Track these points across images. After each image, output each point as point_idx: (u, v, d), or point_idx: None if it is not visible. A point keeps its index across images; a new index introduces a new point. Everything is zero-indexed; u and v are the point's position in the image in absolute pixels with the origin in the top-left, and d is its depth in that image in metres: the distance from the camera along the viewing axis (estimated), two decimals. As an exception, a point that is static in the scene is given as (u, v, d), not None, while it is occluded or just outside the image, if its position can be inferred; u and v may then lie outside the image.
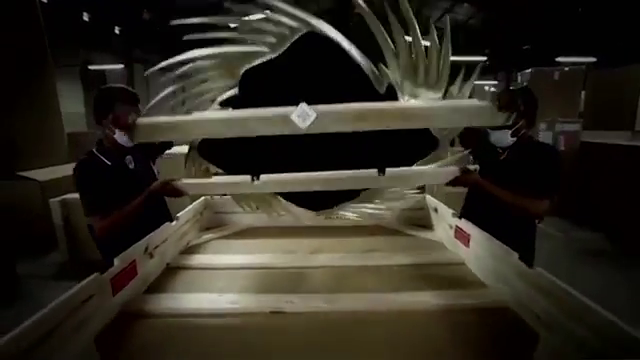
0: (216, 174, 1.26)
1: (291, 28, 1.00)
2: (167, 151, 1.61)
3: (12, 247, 2.66)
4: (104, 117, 1.26)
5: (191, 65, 1.09)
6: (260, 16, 1.00)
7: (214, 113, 1.09)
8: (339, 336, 0.91)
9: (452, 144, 1.27)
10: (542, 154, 1.33)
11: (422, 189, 1.84)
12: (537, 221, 1.43)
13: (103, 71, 10.69)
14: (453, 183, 1.23)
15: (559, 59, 10.21)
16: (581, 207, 3.77)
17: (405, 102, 1.02)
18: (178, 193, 1.29)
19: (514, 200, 1.28)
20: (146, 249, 1.19)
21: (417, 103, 1.02)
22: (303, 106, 0.97)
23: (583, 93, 4.72)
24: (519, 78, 4.76)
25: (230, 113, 1.07)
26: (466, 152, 1.32)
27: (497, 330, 0.93)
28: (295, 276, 1.26)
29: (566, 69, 4.38)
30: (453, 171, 1.21)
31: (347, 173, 1.18)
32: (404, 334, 0.92)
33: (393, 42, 1.00)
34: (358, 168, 1.18)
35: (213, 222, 1.88)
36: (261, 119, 1.01)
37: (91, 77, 10.10)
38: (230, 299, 1.08)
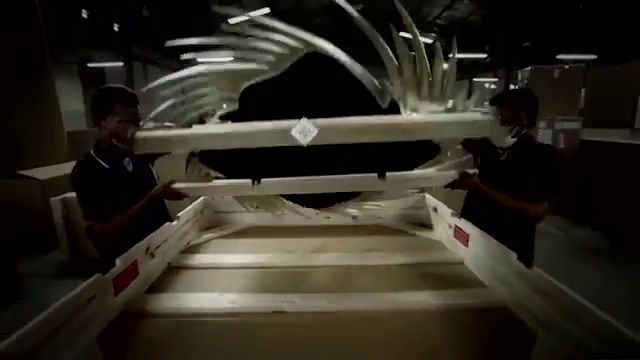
0: (216, 178, 1.27)
1: (291, 48, 0.98)
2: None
3: (13, 246, 2.67)
4: (103, 118, 1.24)
5: (191, 80, 1.07)
6: (259, 36, 0.98)
7: (214, 127, 1.08)
8: (339, 335, 0.92)
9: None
10: (542, 156, 1.33)
11: (422, 188, 1.85)
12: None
13: (102, 69, 10.66)
14: (452, 186, 1.24)
15: (559, 56, 10.19)
16: (581, 205, 3.77)
17: (407, 116, 1.01)
18: (179, 196, 1.30)
19: (513, 203, 1.28)
20: (147, 249, 1.20)
21: (419, 117, 1.01)
22: (304, 122, 0.96)
23: (583, 91, 4.71)
24: (519, 76, 4.75)
25: (230, 127, 1.06)
26: (465, 158, 1.32)
27: (495, 330, 0.94)
28: (295, 276, 1.27)
29: (566, 67, 4.38)
30: (452, 175, 1.22)
31: (347, 177, 1.19)
32: (403, 334, 0.93)
33: (397, 58, 0.98)
34: (359, 172, 1.18)
35: (213, 221, 1.88)
36: (261, 133, 1.00)
37: (90, 75, 10.08)
38: (231, 299, 1.09)
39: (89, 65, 10.07)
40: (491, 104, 1.34)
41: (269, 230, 1.77)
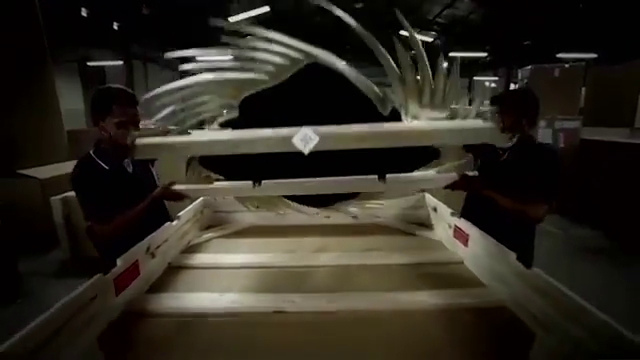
0: (217, 180, 1.27)
1: (292, 59, 0.98)
2: None
3: (13, 245, 2.67)
4: (102, 119, 1.23)
5: (191, 89, 1.06)
6: (259, 47, 0.96)
7: (214, 134, 1.07)
8: (339, 335, 0.93)
9: None
10: (543, 158, 1.33)
11: (422, 188, 1.85)
12: None
13: (102, 67, 10.64)
14: (452, 187, 1.25)
15: (560, 55, 10.18)
16: (581, 205, 3.78)
17: (408, 123, 1.01)
18: (180, 197, 1.31)
19: (513, 205, 1.29)
20: (148, 249, 1.20)
21: (420, 124, 1.01)
22: (305, 130, 0.95)
23: (583, 89, 4.71)
24: (519, 75, 4.74)
25: (230, 134, 1.05)
26: (465, 160, 1.32)
27: (494, 329, 0.94)
28: (295, 275, 1.28)
29: (566, 66, 4.37)
30: (452, 177, 1.23)
31: (348, 179, 1.19)
32: (403, 333, 0.94)
33: (398, 66, 0.98)
34: (359, 174, 1.19)
35: (214, 221, 1.89)
36: (261, 140, 0.99)
37: (90, 73, 10.07)
38: (231, 299, 1.09)
39: (89, 64, 10.05)
40: (492, 104, 1.35)
41: (269, 230, 1.77)
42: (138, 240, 1.16)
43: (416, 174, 1.23)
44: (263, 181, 1.20)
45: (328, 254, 1.44)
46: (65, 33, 7.74)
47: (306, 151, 0.95)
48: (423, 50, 0.93)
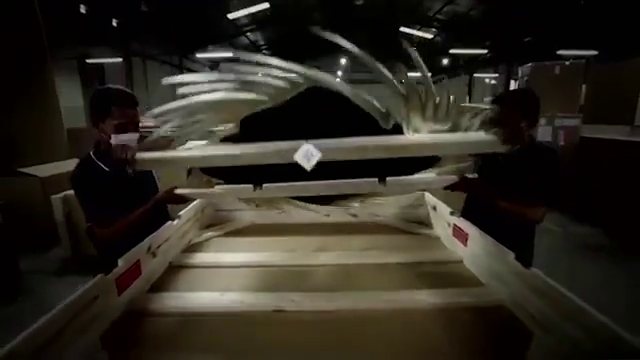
0: (218, 183, 1.27)
1: (292, 83, 0.96)
2: None
3: (14, 243, 2.68)
4: (101, 121, 1.23)
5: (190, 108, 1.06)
6: (258, 71, 0.95)
7: (214, 148, 1.06)
8: (338, 334, 0.94)
9: None
10: (543, 161, 1.32)
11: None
12: None
13: (101, 64, 10.61)
14: (452, 188, 1.25)
15: (560, 52, 10.15)
16: (580, 202, 3.79)
17: (410, 136, 1.01)
18: (183, 200, 1.32)
19: (512, 208, 1.29)
20: (149, 248, 1.21)
21: (422, 137, 1.01)
22: (307, 146, 0.94)
23: (584, 87, 4.70)
24: (520, 72, 4.74)
25: (231, 148, 1.04)
26: (467, 164, 1.32)
27: (493, 328, 0.95)
28: (295, 274, 1.28)
29: (567, 63, 4.36)
30: (452, 179, 1.23)
31: (348, 181, 1.20)
32: (402, 332, 0.94)
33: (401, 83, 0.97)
34: (359, 176, 1.19)
35: (214, 219, 1.89)
36: (262, 155, 0.99)
37: (89, 71, 10.04)
38: (231, 298, 1.10)
39: (88, 61, 10.02)
40: (492, 104, 1.35)
41: (269, 228, 1.78)
42: (138, 240, 1.16)
43: (416, 176, 1.24)
44: (264, 185, 1.21)
45: (328, 253, 1.45)
46: (64, 30, 7.71)
47: (309, 167, 0.94)
48: (427, 70, 0.93)
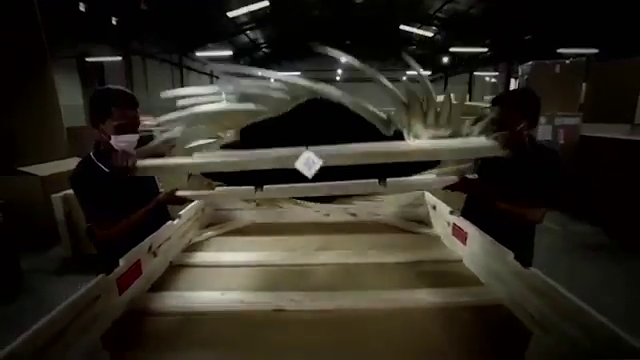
0: (218, 185, 1.28)
1: (292, 96, 0.97)
2: None
3: (14, 242, 2.69)
4: (101, 122, 1.22)
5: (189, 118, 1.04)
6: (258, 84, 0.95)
7: (214, 155, 1.06)
8: (338, 333, 0.94)
9: None
10: (543, 162, 1.31)
11: None
12: None
13: (101, 63, 10.58)
14: (452, 188, 1.26)
15: (561, 50, 10.13)
16: (580, 201, 3.79)
17: (411, 142, 1.01)
18: (184, 202, 1.33)
19: (511, 209, 1.29)
20: (150, 248, 1.21)
21: (422, 143, 1.01)
22: (308, 154, 0.94)
23: (584, 85, 4.70)
24: (520, 71, 4.73)
25: (231, 155, 1.04)
26: (467, 165, 1.33)
27: (492, 328, 0.96)
28: (295, 274, 1.29)
29: (567, 62, 4.35)
30: (452, 180, 1.24)
31: (349, 183, 1.21)
32: (402, 331, 0.95)
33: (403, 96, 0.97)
34: (359, 178, 1.20)
35: (214, 219, 1.90)
36: (262, 162, 0.99)
37: (89, 69, 10.00)
38: (232, 297, 1.10)
39: (87, 59, 9.99)
40: (492, 105, 1.35)
41: (269, 227, 1.78)
42: (139, 240, 1.17)
43: (417, 177, 1.25)
44: (265, 187, 1.21)
45: (327, 252, 1.45)
46: (63, 29, 7.69)
47: (310, 175, 0.95)
48: (429, 82, 0.93)
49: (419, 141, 0.99)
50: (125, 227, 1.24)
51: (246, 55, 19.78)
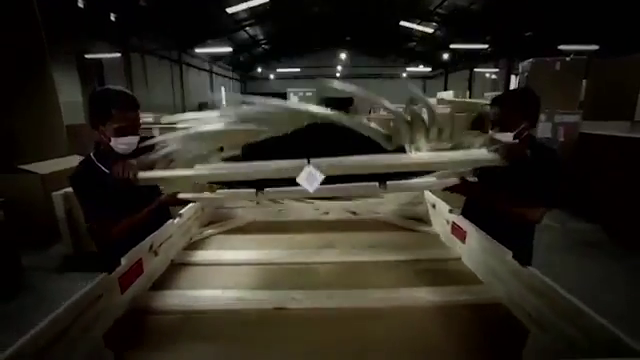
0: (220, 188, 1.29)
1: (293, 119, 0.98)
2: None
3: (15, 240, 2.70)
4: (101, 124, 1.22)
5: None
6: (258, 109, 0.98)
7: (216, 167, 1.07)
8: (338, 331, 0.95)
9: None
10: (543, 162, 1.29)
11: None
12: None
13: (100, 60, 10.53)
14: (451, 190, 1.27)
15: (561, 47, 10.10)
16: (580, 198, 3.80)
17: (412, 155, 1.02)
18: (185, 203, 1.34)
19: (511, 210, 1.29)
20: (151, 247, 1.22)
21: (423, 156, 1.02)
22: (310, 169, 0.95)
23: (584, 82, 4.69)
24: (520, 68, 4.72)
25: (233, 167, 1.06)
26: (464, 169, 1.34)
27: (490, 326, 0.97)
28: (295, 272, 1.30)
29: (567, 59, 4.34)
30: (453, 182, 1.25)
31: (350, 185, 1.22)
32: (401, 330, 0.96)
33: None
34: (360, 180, 1.21)
35: (215, 217, 1.90)
36: (263, 173, 1.01)
37: (88, 66, 9.96)
38: (233, 295, 1.11)
39: (86, 56, 9.94)
40: (492, 105, 1.34)
41: (269, 226, 1.79)
42: (140, 238, 1.17)
43: (417, 180, 1.26)
44: (266, 189, 1.22)
45: (327, 251, 1.46)
46: (62, 25, 7.65)
47: (312, 189, 0.96)
48: (431, 104, 0.95)
49: (420, 153, 1.01)
50: (126, 227, 1.25)
51: (245, 51, 19.71)
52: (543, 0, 9.30)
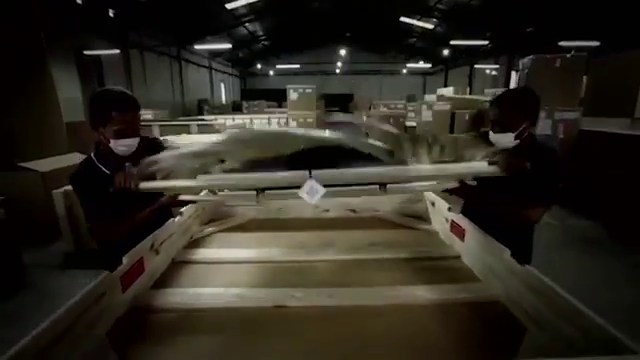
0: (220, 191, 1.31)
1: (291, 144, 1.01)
2: None
3: (16, 238, 2.71)
4: (101, 125, 1.21)
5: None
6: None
7: (220, 177, 1.09)
8: (338, 329, 0.96)
9: None
10: (543, 162, 1.27)
11: None
12: None
13: (99, 56, 10.49)
14: (451, 192, 1.27)
15: (562, 43, 10.05)
16: (579, 195, 3.80)
17: (415, 167, 1.04)
18: (186, 204, 1.34)
19: (511, 211, 1.28)
20: (152, 245, 1.23)
21: (426, 168, 1.04)
22: (311, 182, 0.98)
23: (585, 78, 4.68)
24: (520, 65, 4.70)
25: (233, 177, 1.08)
26: None
27: (488, 324, 0.98)
28: (296, 270, 1.31)
29: (568, 56, 4.32)
30: (452, 185, 1.25)
31: (349, 188, 1.23)
32: (401, 327, 0.97)
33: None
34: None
35: (215, 215, 1.91)
36: (264, 183, 1.05)
37: (86, 62, 9.92)
38: (234, 293, 1.12)
39: (85, 52, 9.90)
40: (491, 106, 1.33)
41: (269, 223, 1.80)
42: (141, 238, 1.18)
43: (417, 183, 1.27)
44: (267, 192, 1.23)
45: (327, 249, 1.47)
46: (61, 22, 7.61)
47: (313, 202, 1.00)
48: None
49: (422, 165, 1.02)
50: (128, 228, 1.25)
51: (245, 47, 19.63)
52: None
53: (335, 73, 23.82)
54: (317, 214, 1.88)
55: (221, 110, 13.55)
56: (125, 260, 1.04)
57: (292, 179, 1.01)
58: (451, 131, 5.30)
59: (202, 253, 1.46)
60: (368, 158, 1.00)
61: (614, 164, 3.45)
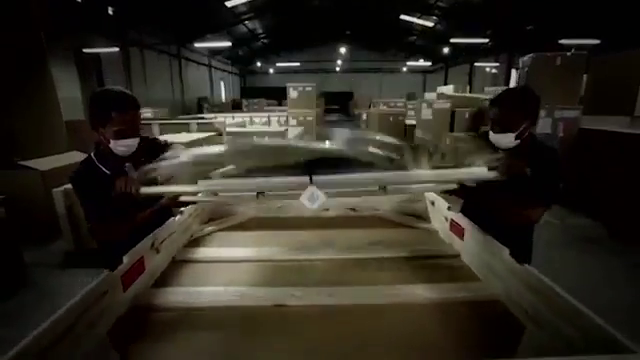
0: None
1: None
2: None
3: (17, 236, 2.71)
4: (101, 125, 1.21)
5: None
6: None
7: (220, 182, 1.11)
8: (338, 328, 0.96)
9: None
10: (543, 161, 1.27)
11: None
12: None
13: (98, 54, 10.47)
14: (450, 194, 1.28)
15: (562, 41, 10.04)
16: (579, 194, 3.80)
17: (416, 172, 1.05)
18: (186, 205, 1.34)
19: (511, 211, 1.27)
20: (152, 244, 1.23)
21: (427, 173, 1.06)
22: (312, 189, 0.99)
23: (585, 77, 4.67)
24: (520, 63, 4.69)
25: (234, 182, 1.10)
26: None
27: (487, 323, 0.98)
28: (296, 269, 1.31)
29: (568, 54, 4.31)
30: (451, 187, 1.25)
31: (350, 190, 1.23)
32: (400, 326, 0.97)
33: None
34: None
35: (216, 213, 1.91)
36: (264, 188, 1.05)
37: (86, 61, 9.90)
38: (234, 292, 1.12)
39: (85, 51, 9.88)
40: (490, 106, 1.33)
41: (269, 222, 1.80)
42: (141, 238, 1.18)
43: (417, 185, 1.27)
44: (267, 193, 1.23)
45: (327, 247, 1.47)
46: (60, 20, 7.60)
47: (313, 208, 1.01)
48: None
49: (423, 171, 1.03)
50: (128, 228, 1.26)
51: (244, 45, 19.60)
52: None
53: (335, 71, 23.78)
54: (317, 213, 1.87)
55: (221, 108, 13.55)
56: (126, 259, 1.04)
57: (292, 184, 1.01)
58: (451, 129, 5.28)
59: (202, 252, 1.46)
60: (368, 166, 1.02)
61: (614, 162, 3.45)
